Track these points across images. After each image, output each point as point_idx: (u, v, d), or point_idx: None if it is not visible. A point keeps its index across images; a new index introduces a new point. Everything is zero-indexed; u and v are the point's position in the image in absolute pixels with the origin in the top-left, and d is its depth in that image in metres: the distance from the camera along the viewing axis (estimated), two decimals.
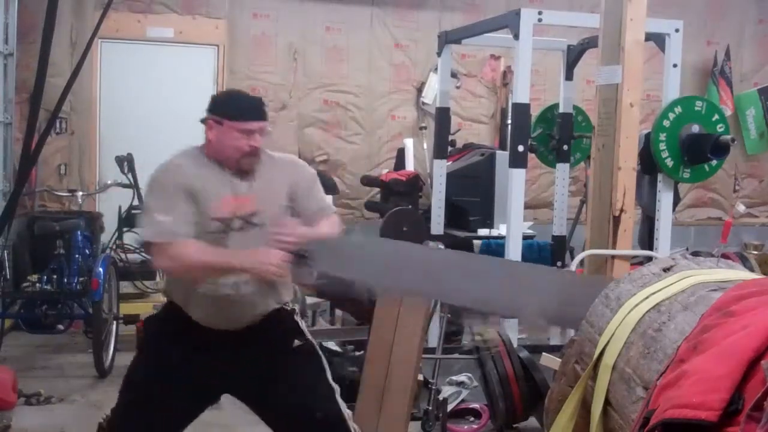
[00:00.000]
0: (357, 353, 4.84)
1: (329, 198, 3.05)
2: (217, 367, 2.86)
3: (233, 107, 2.82)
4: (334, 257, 2.80)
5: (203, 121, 2.84)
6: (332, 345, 4.99)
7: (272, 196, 2.87)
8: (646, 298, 1.98)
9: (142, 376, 2.93)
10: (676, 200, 5.82)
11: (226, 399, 4.48)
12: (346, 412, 2.95)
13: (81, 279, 5.52)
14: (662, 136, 4.68)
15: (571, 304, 2.28)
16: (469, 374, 4.95)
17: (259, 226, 2.80)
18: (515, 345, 4.61)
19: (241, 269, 2.73)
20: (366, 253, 2.86)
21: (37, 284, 5.58)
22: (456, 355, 5.13)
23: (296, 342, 2.94)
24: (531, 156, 5.63)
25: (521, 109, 4.95)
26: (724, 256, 4.78)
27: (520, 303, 2.52)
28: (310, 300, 5.66)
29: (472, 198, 6.87)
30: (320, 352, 3.01)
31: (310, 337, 3.01)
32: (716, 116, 4.78)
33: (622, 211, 4.17)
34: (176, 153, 2.89)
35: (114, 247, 6.15)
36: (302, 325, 3.03)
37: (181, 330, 2.86)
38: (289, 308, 2.98)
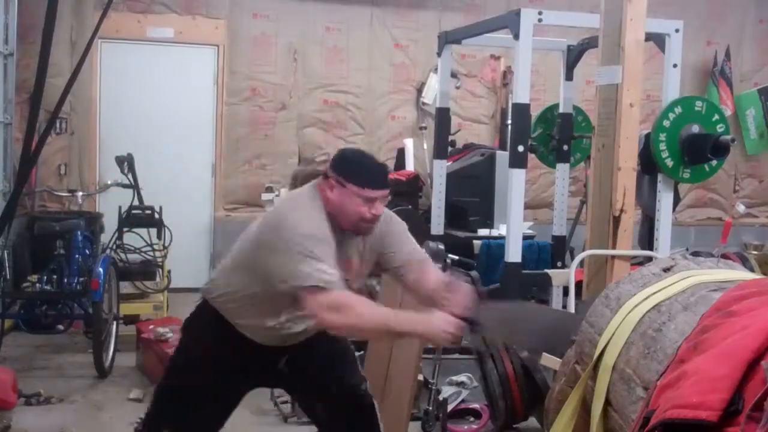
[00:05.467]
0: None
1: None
2: (261, 368, 2.89)
3: (361, 174, 2.73)
4: (497, 323, 2.80)
5: (325, 176, 2.76)
6: None
7: (371, 259, 2.87)
8: (646, 298, 1.98)
9: (182, 373, 2.92)
10: (676, 200, 5.82)
11: None
12: (377, 404, 3.01)
13: (81, 279, 5.51)
14: (662, 136, 4.68)
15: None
16: (469, 374, 4.95)
17: (359, 290, 2.79)
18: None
19: (415, 335, 2.71)
20: (521, 319, 2.90)
21: (37, 284, 5.57)
22: (456, 355, 5.13)
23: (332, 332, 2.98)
24: (531, 156, 5.64)
25: (521, 110, 4.95)
26: (724, 256, 4.78)
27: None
28: None
29: (472, 198, 6.87)
30: (350, 343, 3.09)
31: None
32: (716, 116, 4.78)
33: (622, 211, 4.17)
34: (306, 201, 2.75)
35: (114, 247, 6.14)
36: None
37: (221, 333, 2.83)
38: None
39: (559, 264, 6.05)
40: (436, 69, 6.95)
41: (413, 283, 2.90)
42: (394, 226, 2.94)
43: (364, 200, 2.70)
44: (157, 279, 6.37)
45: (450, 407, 4.47)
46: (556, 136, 6.17)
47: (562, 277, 4.78)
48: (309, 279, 2.51)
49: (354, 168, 2.76)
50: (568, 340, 2.65)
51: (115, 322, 5.64)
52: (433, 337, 2.63)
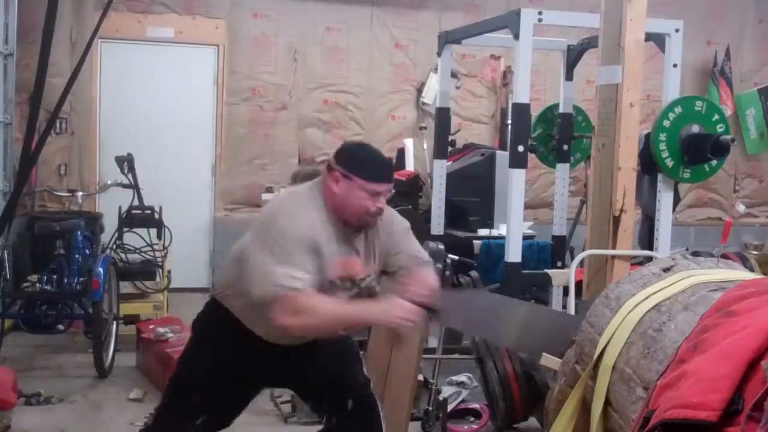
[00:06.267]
0: None
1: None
2: (268, 367, 2.90)
3: (367, 167, 2.72)
4: (458, 312, 2.80)
5: (329, 169, 2.74)
6: None
7: (378, 257, 2.86)
8: (647, 298, 1.98)
9: (193, 371, 2.93)
10: (676, 200, 5.81)
11: None
12: (380, 405, 3.01)
13: (81, 279, 5.51)
14: (662, 136, 4.68)
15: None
16: (469, 374, 4.95)
17: (363, 288, 2.80)
18: None
19: (375, 323, 2.73)
20: (483, 309, 2.89)
21: (37, 284, 5.57)
22: (456, 356, 5.13)
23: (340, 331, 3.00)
24: (531, 156, 5.63)
25: (521, 109, 4.94)
26: (724, 256, 4.78)
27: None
28: None
29: (472, 198, 6.87)
30: (356, 345, 3.08)
31: None
32: (716, 116, 4.78)
33: (622, 211, 4.16)
34: (304, 199, 2.76)
35: (114, 247, 6.14)
36: None
37: (231, 331, 2.84)
38: None
39: (559, 264, 6.04)
40: (436, 69, 6.95)
41: None
42: (398, 225, 2.95)
43: (370, 194, 2.69)
44: (157, 279, 6.37)
45: (450, 407, 4.47)
46: (556, 136, 6.17)
47: (562, 277, 4.78)
48: (277, 286, 2.53)
49: (360, 161, 2.75)
50: (531, 331, 2.65)
51: (115, 322, 5.64)
52: (392, 325, 2.64)
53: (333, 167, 2.73)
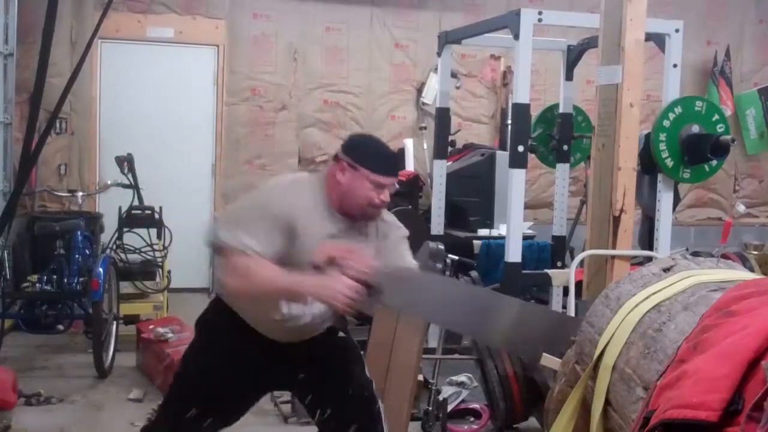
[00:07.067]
0: None
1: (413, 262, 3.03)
2: (270, 368, 2.89)
3: (375, 159, 2.75)
4: (402, 292, 2.76)
5: (336, 159, 2.76)
6: None
7: (367, 251, 2.82)
8: (647, 298, 1.98)
9: (196, 370, 2.93)
10: (676, 200, 5.81)
11: None
12: (380, 405, 2.99)
13: (81, 279, 5.51)
14: (662, 136, 4.68)
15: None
16: (469, 374, 4.95)
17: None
18: None
19: (312, 296, 2.65)
20: (431, 290, 2.83)
21: (37, 284, 5.57)
22: (456, 356, 5.13)
23: (341, 333, 2.99)
24: (531, 156, 5.63)
25: (521, 109, 4.95)
26: (724, 256, 4.77)
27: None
28: None
29: (472, 198, 6.87)
30: (358, 347, 3.07)
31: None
32: (716, 116, 4.78)
33: (622, 211, 4.16)
34: (295, 181, 2.82)
35: (114, 247, 6.14)
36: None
37: (235, 329, 2.85)
38: None
39: (559, 264, 6.04)
40: (436, 69, 6.95)
41: None
42: (396, 231, 2.94)
43: (375, 185, 2.71)
44: (157, 279, 6.37)
45: (450, 407, 4.47)
46: (556, 136, 6.17)
47: (562, 277, 4.78)
48: (218, 239, 2.61)
49: (368, 152, 2.77)
50: (482, 315, 2.61)
51: (115, 322, 5.64)
52: (330, 300, 2.58)
53: (340, 157, 2.75)
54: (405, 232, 2.98)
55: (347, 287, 2.54)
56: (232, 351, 2.86)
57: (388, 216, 2.94)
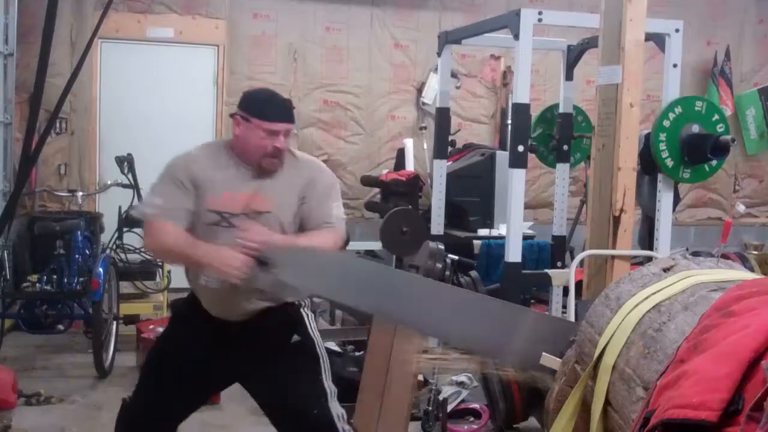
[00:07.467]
0: (357, 353, 4.84)
1: (341, 211, 3.01)
2: (218, 354, 2.92)
3: (262, 106, 2.86)
4: (298, 268, 2.77)
5: (231, 115, 2.92)
6: (332, 345, 4.99)
7: (283, 197, 2.87)
8: (646, 298, 1.98)
9: (156, 354, 3.11)
10: (676, 200, 5.81)
11: (226, 398, 4.48)
12: (337, 413, 2.93)
13: (81, 279, 5.51)
14: (662, 136, 4.68)
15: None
16: (469, 374, 4.95)
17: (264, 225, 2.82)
18: None
19: (202, 264, 2.77)
20: (333, 269, 2.79)
21: (37, 284, 5.57)
22: (456, 356, 5.12)
23: (295, 337, 2.96)
24: (531, 156, 5.62)
25: (521, 109, 4.94)
26: (724, 256, 4.76)
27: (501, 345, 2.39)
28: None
29: (472, 198, 6.87)
30: (319, 352, 2.99)
31: (313, 334, 3.01)
32: (716, 116, 4.77)
33: (622, 211, 4.16)
34: (199, 144, 3.00)
35: (114, 247, 6.14)
36: (308, 320, 3.03)
37: (193, 315, 2.96)
38: (297, 303, 2.99)
39: (559, 264, 6.04)
40: (436, 69, 6.95)
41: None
42: (323, 177, 2.99)
43: (267, 133, 2.81)
44: (157, 279, 6.37)
45: (450, 407, 4.47)
46: (556, 136, 6.16)
47: (562, 277, 4.78)
48: (139, 210, 3.01)
49: (257, 103, 2.89)
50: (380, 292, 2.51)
51: (115, 322, 5.65)
52: (220, 270, 2.70)
53: (235, 112, 2.89)
54: (331, 178, 3.03)
55: (237, 260, 2.65)
56: (187, 332, 2.98)
57: (303, 156, 3.02)
